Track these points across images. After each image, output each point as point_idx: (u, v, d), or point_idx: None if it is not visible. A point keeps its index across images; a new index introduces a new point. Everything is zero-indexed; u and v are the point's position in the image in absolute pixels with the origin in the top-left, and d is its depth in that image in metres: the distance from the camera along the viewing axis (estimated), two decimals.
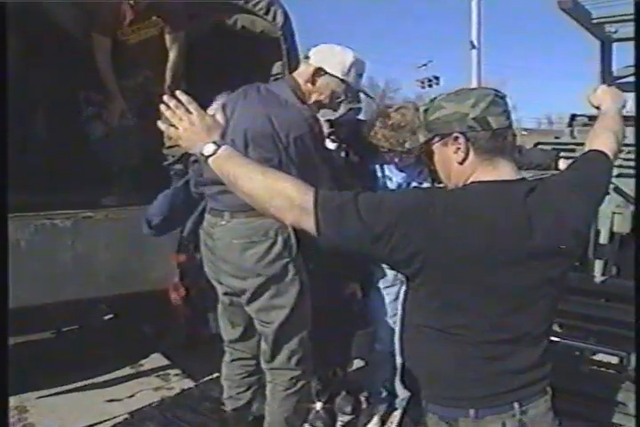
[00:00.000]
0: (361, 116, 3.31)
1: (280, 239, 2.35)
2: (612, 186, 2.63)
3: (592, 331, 2.78)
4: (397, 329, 2.73)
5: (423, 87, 26.81)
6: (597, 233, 2.85)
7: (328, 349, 2.64)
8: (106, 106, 3.51)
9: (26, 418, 3.24)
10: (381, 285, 2.78)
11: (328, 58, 2.40)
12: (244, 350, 2.61)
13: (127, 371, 3.86)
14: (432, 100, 1.49)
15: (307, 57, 2.45)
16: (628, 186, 2.74)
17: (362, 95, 3.03)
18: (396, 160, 2.72)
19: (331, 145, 2.89)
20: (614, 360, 2.79)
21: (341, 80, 2.40)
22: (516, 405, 1.36)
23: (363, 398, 3.05)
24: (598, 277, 2.89)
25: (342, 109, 2.89)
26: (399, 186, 2.75)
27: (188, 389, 3.53)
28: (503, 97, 1.43)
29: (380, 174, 2.78)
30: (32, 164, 3.53)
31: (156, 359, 3.89)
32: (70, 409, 3.32)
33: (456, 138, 1.40)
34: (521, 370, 1.38)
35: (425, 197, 1.37)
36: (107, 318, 4.41)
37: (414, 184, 2.77)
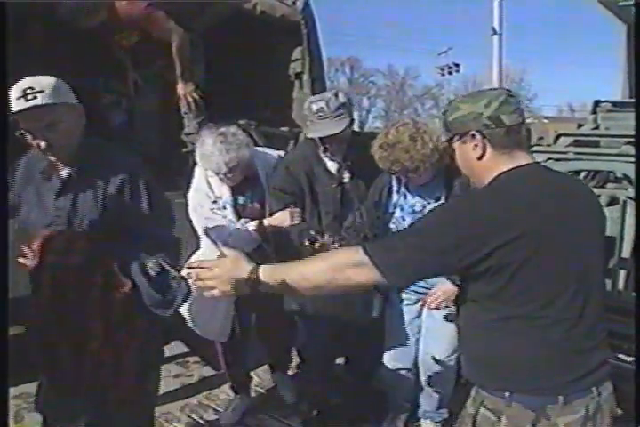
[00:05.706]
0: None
1: None
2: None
3: None
4: (421, 347, 2.70)
5: (443, 74, 26.51)
6: (621, 242, 2.76)
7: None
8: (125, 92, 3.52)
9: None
10: (404, 302, 2.70)
11: None
12: None
13: None
14: (450, 103, 1.62)
15: None
16: None
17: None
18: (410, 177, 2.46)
19: (332, 165, 2.77)
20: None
21: None
22: (594, 388, 1.47)
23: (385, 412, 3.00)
24: (622, 288, 2.82)
25: (341, 125, 2.63)
26: (413, 212, 2.54)
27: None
28: (514, 96, 1.55)
29: (394, 200, 2.60)
30: None
31: (176, 347, 3.90)
32: None
33: (473, 135, 1.51)
34: (593, 349, 1.48)
35: (470, 201, 1.52)
36: None
37: (430, 206, 2.47)
